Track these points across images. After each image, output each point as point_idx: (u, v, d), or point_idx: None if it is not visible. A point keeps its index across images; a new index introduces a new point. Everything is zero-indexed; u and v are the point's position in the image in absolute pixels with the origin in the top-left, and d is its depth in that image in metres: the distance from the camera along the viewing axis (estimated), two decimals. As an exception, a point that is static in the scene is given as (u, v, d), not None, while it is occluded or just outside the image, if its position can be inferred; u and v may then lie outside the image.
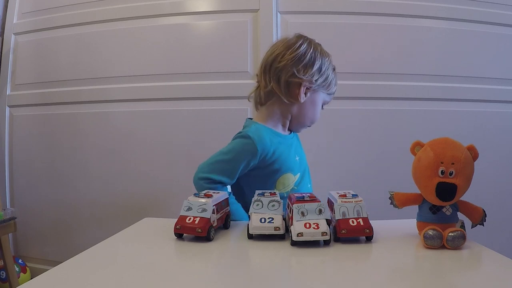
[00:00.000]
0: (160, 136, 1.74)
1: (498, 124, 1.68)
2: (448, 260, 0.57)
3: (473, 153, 0.65)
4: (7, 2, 1.95)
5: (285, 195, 0.91)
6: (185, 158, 1.70)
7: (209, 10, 1.73)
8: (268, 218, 0.67)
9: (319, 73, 0.95)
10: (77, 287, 0.49)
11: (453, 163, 0.62)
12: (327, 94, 1.01)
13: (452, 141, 0.66)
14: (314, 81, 0.94)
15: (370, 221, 0.65)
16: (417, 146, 0.68)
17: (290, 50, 0.94)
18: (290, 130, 1.04)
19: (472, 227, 0.68)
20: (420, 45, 1.66)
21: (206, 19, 1.73)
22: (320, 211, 0.65)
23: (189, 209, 0.68)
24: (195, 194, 0.73)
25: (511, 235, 1.66)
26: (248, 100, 1.06)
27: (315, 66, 0.94)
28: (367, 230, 0.64)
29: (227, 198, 0.78)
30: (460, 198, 0.65)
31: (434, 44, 1.67)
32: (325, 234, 0.62)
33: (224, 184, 0.91)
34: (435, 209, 0.65)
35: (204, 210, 0.68)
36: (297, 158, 1.00)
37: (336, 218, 0.66)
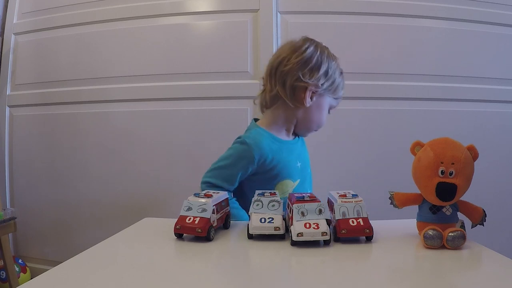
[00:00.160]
0: (160, 136, 1.74)
1: (498, 124, 1.68)
2: (448, 260, 0.57)
3: (473, 153, 0.65)
4: (7, 2, 1.95)
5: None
6: (185, 158, 1.70)
7: (209, 10, 1.73)
8: (268, 218, 0.67)
9: (326, 77, 0.94)
10: (77, 287, 0.49)
11: (453, 163, 0.62)
12: (334, 98, 1.00)
13: (452, 141, 0.66)
14: (320, 85, 0.93)
15: (370, 221, 0.65)
16: (417, 146, 0.68)
17: (296, 54, 0.93)
18: (296, 134, 1.03)
19: (472, 227, 0.68)
20: (420, 45, 1.66)
21: (206, 19, 1.73)
22: (320, 211, 0.65)
23: (189, 209, 0.68)
24: (195, 194, 0.73)
25: (511, 235, 1.66)
26: (254, 103, 1.06)
27: (321, 69, 0.93)
28: (367, 230, 0.64)
29: (227, 198, 0.78)
30: (460, 198, 0.65)
31: (434, 44, 1.67)
32: (325, 234, 0.62)
33: (224, 190, 0.91)
34: (435, 209, 0.65)
35: (204, 210, 0.68)
36: (299, 164, 0.99)
37: (336, 218, 0.66)
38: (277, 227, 0.66)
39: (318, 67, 0.93)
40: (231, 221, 0.78)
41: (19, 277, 1.69)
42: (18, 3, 1.94)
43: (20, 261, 1.80)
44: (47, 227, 1.88)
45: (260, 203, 0.70)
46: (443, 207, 0.65)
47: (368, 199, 0.72)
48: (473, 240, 0.65)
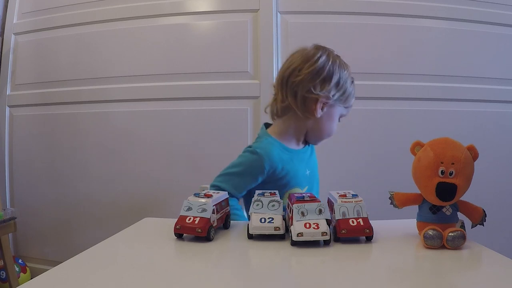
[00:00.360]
0: (160, 136, 1.74)
1: (498, 124, 1.68)
2: (448, 260, 0.57)
3: (473, 153, 0.65)
4: (7, 2, 1.95)
5: None
6: (185, 158, 1.70)
7: (209, 10, 1.73)
8: (268, 218, 0.67)
9: (337, 87, 0.93)
10: (77, 287, 0.49)
11: (453, 163, 0.62)
12: (344, 107, 1.00)
13: (452, 141, 0.66)
14: (331, 96, 0.93)
15: (370, 221, 0.65)
16: (417, 146, 0.68)
17: (308, 64, 0.92)
18: (306, 142, 1.03)
19: (472, 227, 0.68)
20: (420, 45, 1.67)
21: (206, 19, 1.73)
22: (320, 211, 0.65)
23: (189, 209, 0.68)
24: (195, 194, 0.73)
25: (511, 235, 1.66)
26: (265, 112, 1.06)
27: (332, 80, 0.92)
28: (367, 230, 0.64)
29: (227, 198, 0.78)
30: (460, 198, 0.65)
31: (434, 44, 1.67)
32: (325, 234, 0.62)
33: (231, 196, 0.91)
34: (435, 209, 0.65)
35: (204, 210, 0.67)
36: (308, 172, 1.00)
37: (336, 218, 0.66)
38: (277, 227, 0.66)
39: (329, 77, 0.92)
40: (231, 221, 0.78)
41: (19, 277, 1.69)
42: (18, 3, 1.94)
43: (20, 261, 1.80)
44: (47, 227, 1.88)
45: (260, 203, 0.70)
46: (443, 207, 0.65)
47: (368, 199, 0.72)
48: (473, 240, 0.65)
